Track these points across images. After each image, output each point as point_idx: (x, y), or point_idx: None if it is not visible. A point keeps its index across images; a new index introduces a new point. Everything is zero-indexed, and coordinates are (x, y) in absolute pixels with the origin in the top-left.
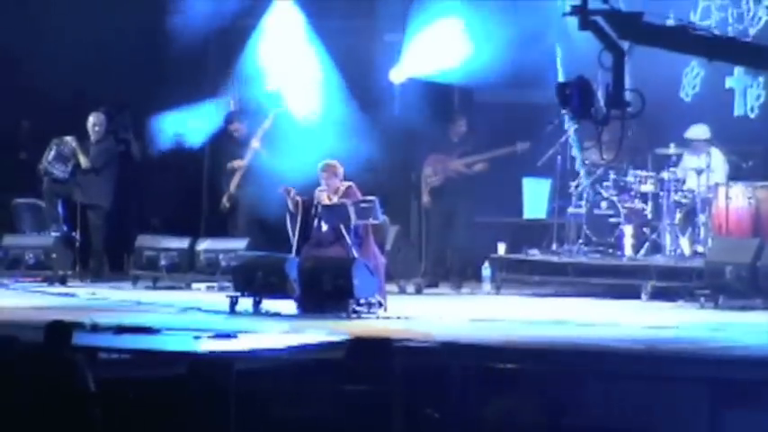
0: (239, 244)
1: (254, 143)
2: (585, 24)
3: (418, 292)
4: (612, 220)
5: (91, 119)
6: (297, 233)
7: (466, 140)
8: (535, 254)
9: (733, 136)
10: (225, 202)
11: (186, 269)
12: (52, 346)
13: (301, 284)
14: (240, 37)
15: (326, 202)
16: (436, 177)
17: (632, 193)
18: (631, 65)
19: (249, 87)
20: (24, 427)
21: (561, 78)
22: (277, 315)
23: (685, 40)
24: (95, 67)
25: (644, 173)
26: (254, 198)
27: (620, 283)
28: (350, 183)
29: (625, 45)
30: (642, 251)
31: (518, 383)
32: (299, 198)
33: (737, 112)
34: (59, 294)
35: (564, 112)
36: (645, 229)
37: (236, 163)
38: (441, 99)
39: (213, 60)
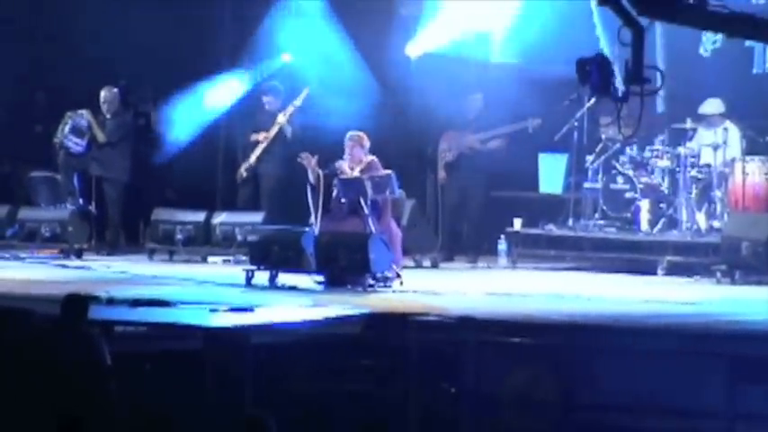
0: (256, 218)
1: (281, 118)
2: (605, 0)
3: (434, 266)
4: (629, 195)
5: (102, 94)
6: (320, 208)
7: (481, 116)
8: (551, 229)
9: (751, 95)
10: (242, 171)
11: (202, 242)
12: (68, 320)
13: (318, 259)
14: (257, 11)
15: (347, 171)
16: (450, 153)
17: (649, 168)
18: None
19: (265, 60)
20: (41, 400)
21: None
22: (293, 289)
23: (703, 16)
24: (113, 38)
25: (660, 148)
26: (274, 172)
27: (636, 258)
28: (373, 157)
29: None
30: (658, 226)
31: (534, 358)
32: (319, 171)
33: (756, 69)
34: (75, 267)
35: (583, 87)
36: (661, 205)
37: (261, 135)
38: (457, 74)
39: (230, 33)
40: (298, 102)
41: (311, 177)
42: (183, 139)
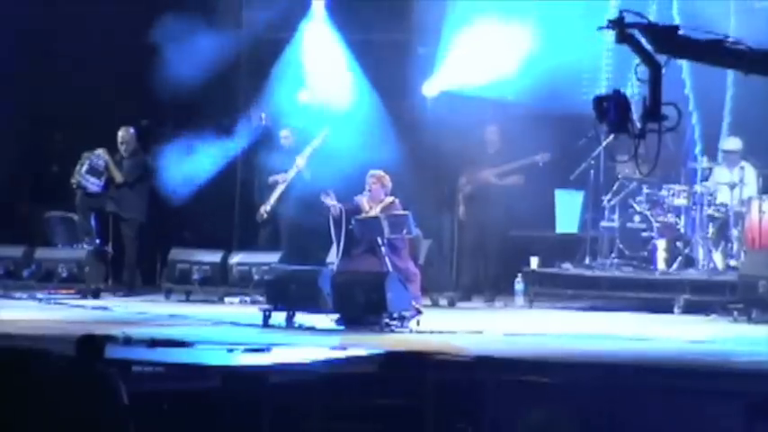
0: (272, 257)
1: (300, 161)
2: (622, 38)
3: (451, 305)
4: (645, 233)
5: (119, 134)
6: (342, 240)
7: (501, 151)
8: (568, 268)
9: None
10: (263, 212)
11: (219, 282)
12: (84, 360)
13: (335, 298)
14: (274, 50)
15: (366, 208)
16: (468, 186)
17: (665, 207)
18: None
19: (282, 101)
20: None
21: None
22: (310, 329)
23: (721, 53)
24: (130, 80)
25: (677, 186)
26: (292, 212)
27: (652, 296)
28: (394, 198)
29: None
30: (675, 265)
31: (551, 398)
32: (340, 206)
33: None
34: (92, 308)
35: (600, 125)
36: (678, 243)
37: (280, 177)
38: (474, 112)
39: (246, 74)
40: (316, 142)
41: (334, 212)
42: (201, 179)
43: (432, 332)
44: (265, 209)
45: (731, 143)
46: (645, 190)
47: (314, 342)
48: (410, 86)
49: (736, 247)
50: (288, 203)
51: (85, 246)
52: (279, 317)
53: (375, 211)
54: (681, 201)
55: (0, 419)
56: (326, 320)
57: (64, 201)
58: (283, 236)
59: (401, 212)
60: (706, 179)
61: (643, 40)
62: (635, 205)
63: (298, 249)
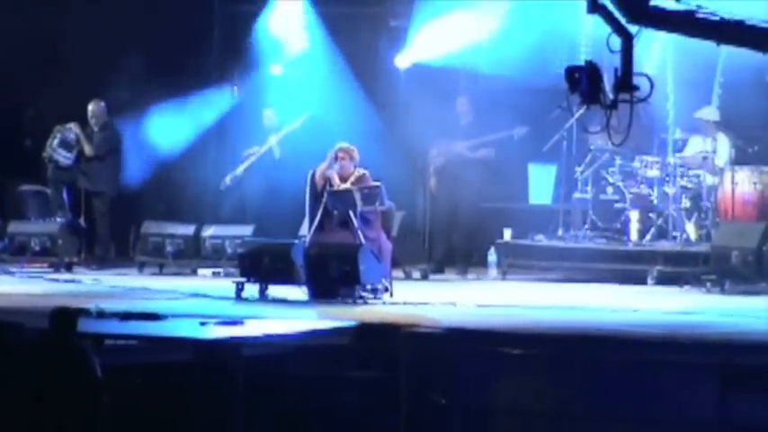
0: (245, 230)
1: (273, 139)
2: (594, 8)
3: (424, 277)
4: (618, 205)
5: (89, 107)
6: (320, 212)
7: (473, 123)
8: (541, 239)
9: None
10: (227, 180)
11: (192, 255)
12: (58, 333)
13: (308, 271)
14: (246, 23)
15: (337, 182)
16: (440, 158)
17: (638, 179)
18: None
19: (254, 73)
20: (31, 414)
21: None
22: (283, 301)
23: (693, 24)
24: (102, 53)
25: (650, 158)
26: (258, 184)
27: (626, 268)
28: (364, 171)
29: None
30: (648, 236)
31: (525, 369)
32: (327, 177)
33: None
34: (65, 281)
35: (572, 95)
36: (651, 215)
37: (253, 150)
38: (446, 85)
39: (218, 46)
40: (294, 125)
41: (319, 181)
42: (174, 153)
43: (405, 304)
44: (230, 177)
45: (707, 112)
46: (617, 161)
47: (287, 314)
48: (382, 59)
49: (709, 218)
50: (254, 177)
51: (58, 219)
52: (252, 289)
53: (346, 184)
54: (653, 172)
55: None
56: (299, 293)
57: (37, 175)
58: (248, 206)
59: (373, 184)
60: (681, 150)
61: (615, 11)
62: (608, 177)
63: (264, 221)
